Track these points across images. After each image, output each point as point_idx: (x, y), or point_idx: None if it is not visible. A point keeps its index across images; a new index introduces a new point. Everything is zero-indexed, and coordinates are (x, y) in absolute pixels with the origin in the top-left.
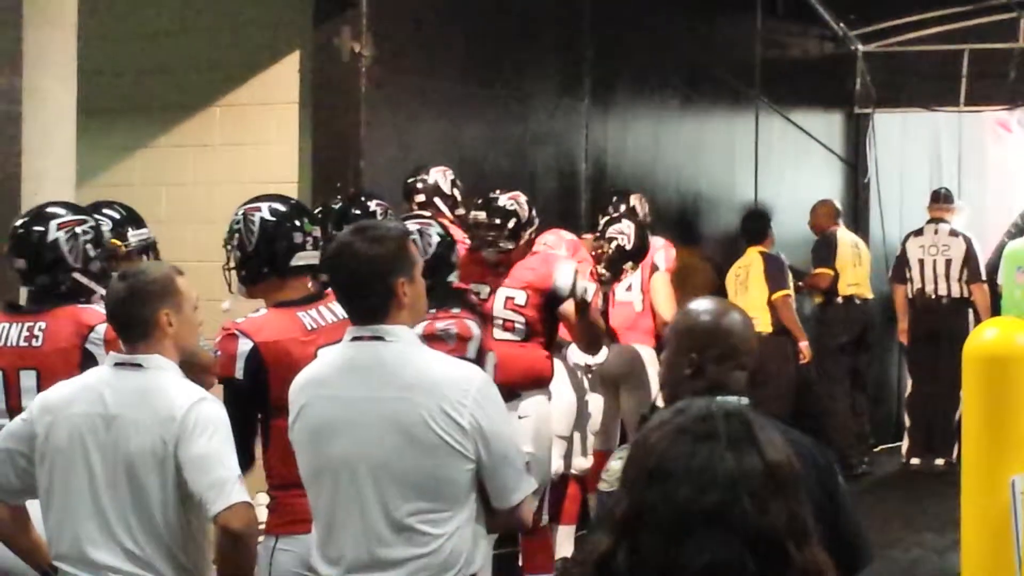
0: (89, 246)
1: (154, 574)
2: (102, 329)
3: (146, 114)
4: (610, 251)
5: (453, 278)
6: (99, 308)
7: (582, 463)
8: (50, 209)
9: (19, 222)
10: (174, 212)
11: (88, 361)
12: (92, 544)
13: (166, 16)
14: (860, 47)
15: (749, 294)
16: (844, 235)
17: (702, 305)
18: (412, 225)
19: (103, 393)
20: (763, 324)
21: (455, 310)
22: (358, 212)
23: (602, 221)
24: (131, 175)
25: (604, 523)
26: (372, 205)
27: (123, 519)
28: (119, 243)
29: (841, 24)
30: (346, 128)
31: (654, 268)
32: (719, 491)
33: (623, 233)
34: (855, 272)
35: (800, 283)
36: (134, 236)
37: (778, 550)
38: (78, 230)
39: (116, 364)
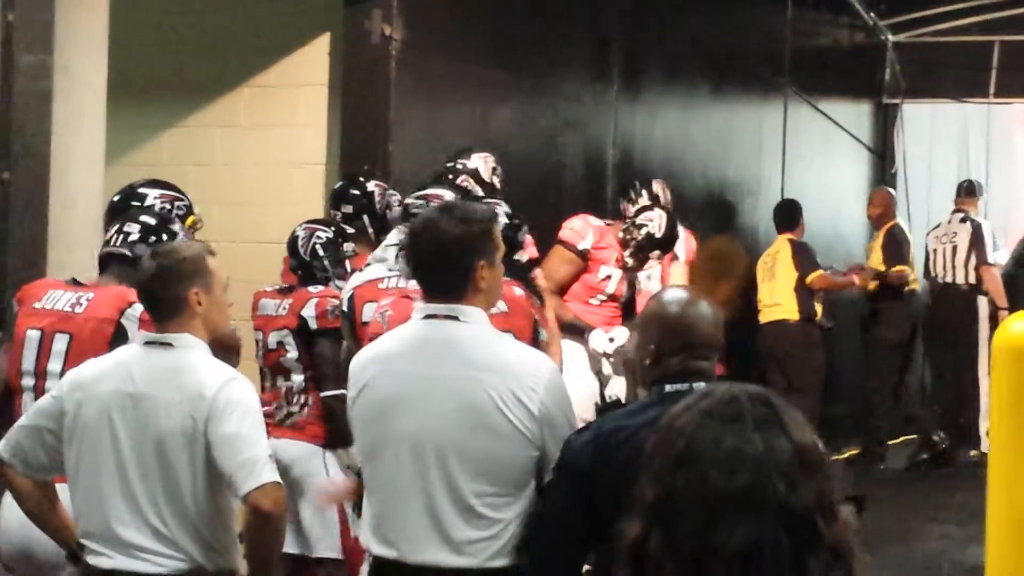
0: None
1: (181, 553)
2: (140, 308)
3: (175, 93)
4: (640, 238)
5: (520, 257)
6: None
7: None
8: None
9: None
10: (200, 192)
11: (120, 335)
12: (120, 522)
13: None
14: (890, 37)
15: (776, 280)
16: (905, 227)
17: (669, 295)
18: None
19: (132, 371)
20: (790, 311)
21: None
22: (356, 192)
23: (632, 209)
24: (159, 154)
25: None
26: (370, 186)
27: (151, 498)
28: (196, 219)
29: (871, 14)
30: (375, 111)
31: (674, 257)
32: (749, 473)
33: (653, 220)
34: (913, 266)
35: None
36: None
37: (809, 528)
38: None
39: (146, 343)
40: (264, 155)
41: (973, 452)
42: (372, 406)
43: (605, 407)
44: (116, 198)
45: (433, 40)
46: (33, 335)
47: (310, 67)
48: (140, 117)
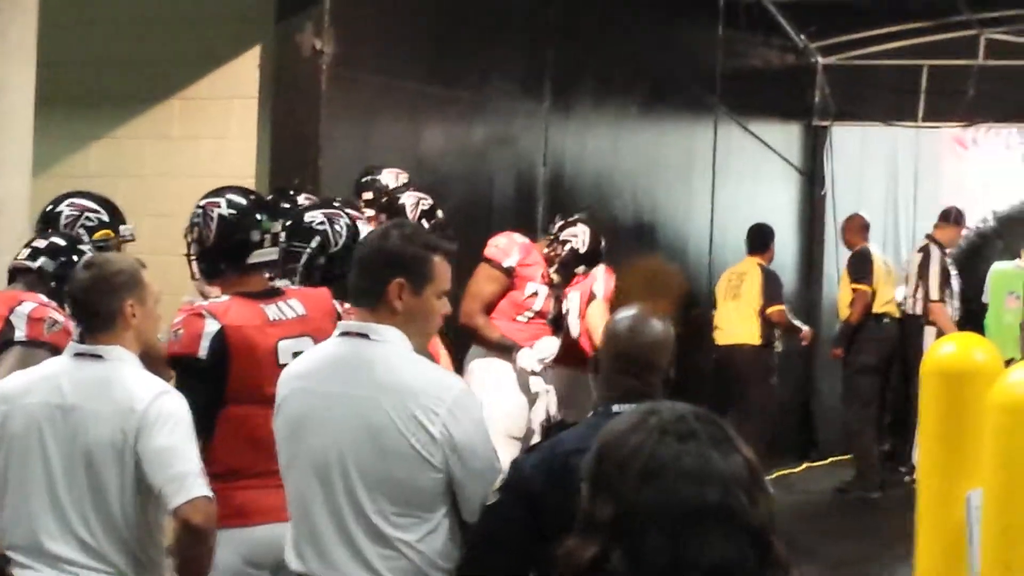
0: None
1: (108, 566)
2: (29, 307)
3: (105, 105)
4: (563, 253)
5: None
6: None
7: None
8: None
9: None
10: (130, 204)
11: (7, 331)
12: (47, 535)
13: (127, 7)
14: (820, 60)
15: (740, 302)
16: (874, 251)
17: (624, 313)
18: (319, 215)
19: (61, 383)
20: (751, 336)
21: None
22: (286, 206)
23: (556, 225)
24: (88, 166)
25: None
26: (301, 199)
27: (79, 510)
28: (112, 234)
29: (802, 36)
30: (305, 124)
31: (592, 296)
32: (718, 488)
33: (577, 236)
34: (886, 290)
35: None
36: (125, 230)
37: (766, 543)
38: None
39: (76, 355)
40: (194, 167)
41: (908, 479)
42: (287, 423)
43: (551, 427)
44: (48, 208)
45: (364, 55)
46: None
47: (241, 80)
48: (69, 128)
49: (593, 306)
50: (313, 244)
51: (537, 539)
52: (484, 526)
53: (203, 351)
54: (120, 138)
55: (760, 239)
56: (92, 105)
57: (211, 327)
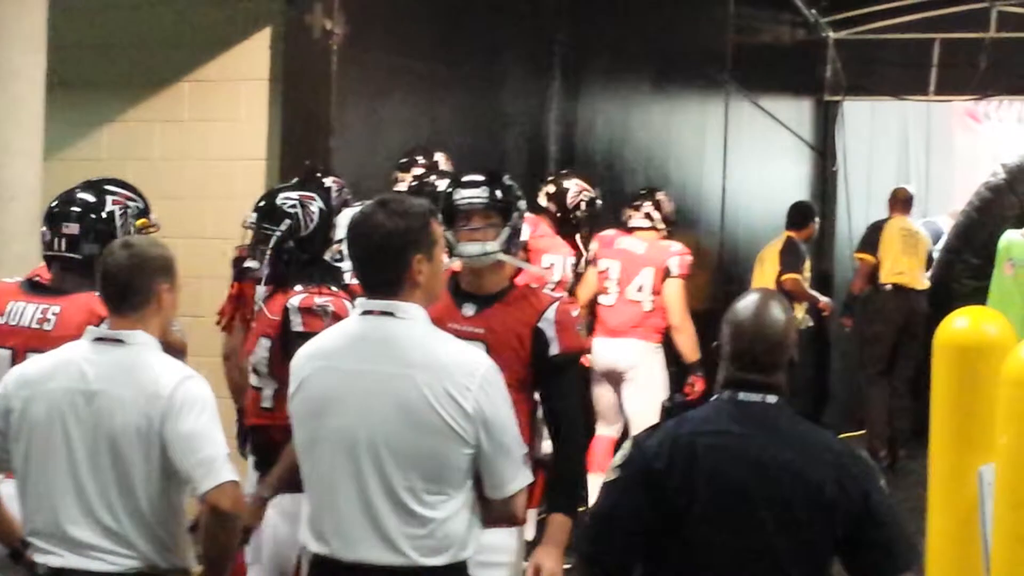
0: (133, 226)
1: (134, 551)
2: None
3: (115, 88)
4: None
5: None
6: None
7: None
8: (103, 183)
9: (73, 190)
10: (141, 187)
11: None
12: (70, 521)
13: None
14: (831, 34)
15: (764, 268)
16: (896, 222)
17: (747, 300)
18: (293, 196)
19: (83, 368)
20: None
21: (334, 288)
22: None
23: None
24: (98, 149)
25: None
26: (327, 182)
27: (103, 496)
28: (147, 222)
29: (812, 11)
30: (316, 106)
31: (667, 272)
32: None
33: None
34: (901, 261)
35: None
36: (153, 217)
37: None
38: (129, 206)
39: (96, 339)
40: (205, 150)
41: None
42: (308, 403)
43: (671, 408)
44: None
45: (374, 35)
46: (3, 354)
47: (251, 62)
48: (79, 112)
49: (669, 283)
50: (283, 227)
51: (655, 517)
52: (605, 502)
53: None
54: (130, 121)
55: (795, 216)
56: (101, 89)
57: None
